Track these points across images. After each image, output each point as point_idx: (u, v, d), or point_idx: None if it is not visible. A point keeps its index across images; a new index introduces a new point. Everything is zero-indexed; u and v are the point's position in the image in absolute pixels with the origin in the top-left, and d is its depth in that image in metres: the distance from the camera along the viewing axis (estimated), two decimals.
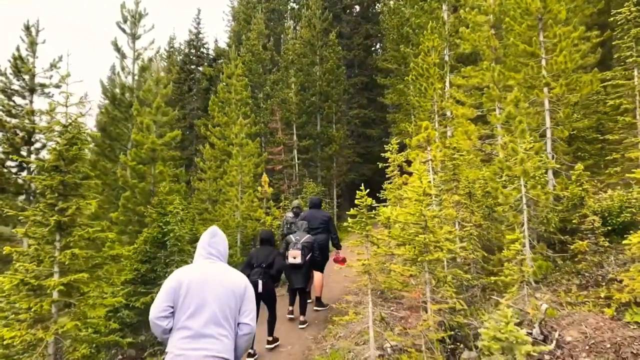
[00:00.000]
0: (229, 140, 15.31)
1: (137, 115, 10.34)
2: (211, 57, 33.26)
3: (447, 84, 12.88)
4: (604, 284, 5.52)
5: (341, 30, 26.76)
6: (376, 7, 31.56)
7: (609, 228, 6.25)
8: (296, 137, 22.03)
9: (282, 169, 20.78)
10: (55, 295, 6.12)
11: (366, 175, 26.17)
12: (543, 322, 4.41)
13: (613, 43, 8.89)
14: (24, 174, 11.23)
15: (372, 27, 30.07)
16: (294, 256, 6.38)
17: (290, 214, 7.92)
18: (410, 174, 9.36)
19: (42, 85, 11.86)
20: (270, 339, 6.06)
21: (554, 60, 7.35)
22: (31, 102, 11.70)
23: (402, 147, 10.50)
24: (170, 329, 2.53)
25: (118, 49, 13.01)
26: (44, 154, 11.48)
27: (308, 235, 6.69)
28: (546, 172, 7.26)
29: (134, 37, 13.38)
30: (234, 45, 22.52)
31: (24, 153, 11.20)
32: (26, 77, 12.03)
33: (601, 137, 8.34)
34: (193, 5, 64.91)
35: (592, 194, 6.22)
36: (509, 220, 5.82)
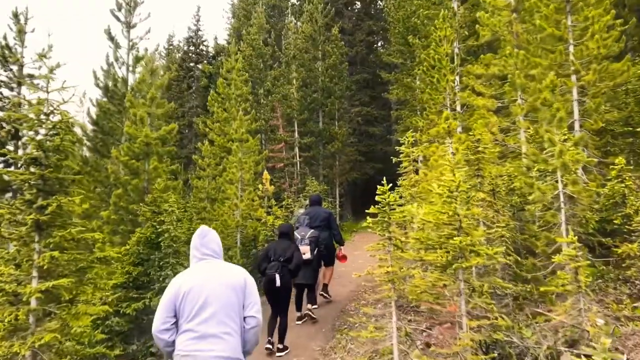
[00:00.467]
0: (228, 137, 14.67)
1: (130, 107, 9.67)
2: (211, 54, 32.66)
3: (458, 79, 12.27)
4: None
5: (343, 26, 26.13)
6: (378, 3, 30.98)
7: None
8: (297, 135, 21.38)
9: (283, 167, 20.10)
10: (33, 303, 5.45)
11: (368, 175, 25.55)
12: None
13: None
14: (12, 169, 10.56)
15: (375, 24, 29.51)
16: (304, 252, 6.29)
17: (302, 211, 8.23)
18: (415, 171, 8.75)
19: (31, 76, 11.18)
20: (281, 346, 5.73)
21: (584, 46, 6.71)
22: (19, 93, 11.03)
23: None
24: (174, 341, 2.50)
25: (112, 38, 12.32)
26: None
27: (312, 230, 6.75)
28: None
29: (129, 25, 12.67)
30: (234, 39, 21.84)
31: (10, 147, 10.53)
32: (14, 67, 11.36)
33: (632, 130, 7.70)
34: (193, 2, 64.29)
35: (634, 191, 5.56)
36: (547, 220, 5.16)
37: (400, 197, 8.56)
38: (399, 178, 8.03)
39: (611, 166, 6.02)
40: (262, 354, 5.75)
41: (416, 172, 7.54)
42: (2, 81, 11.12)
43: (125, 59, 12.52)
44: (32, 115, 5.38)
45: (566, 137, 5.05)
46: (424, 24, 14.18)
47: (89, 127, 12.03)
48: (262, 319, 2.69)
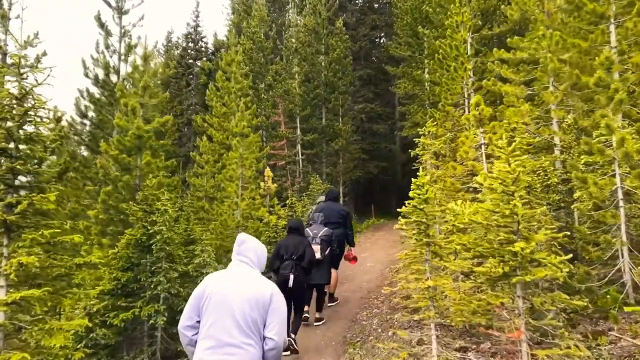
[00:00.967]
0: (228, 133, 13.88)
1: (120, 96, 8.87)
2: (210, 51, 31.86)
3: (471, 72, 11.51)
4: None
5: (346, 20, 25.34)
6: None
7: None
8: (300, 131, 20.58)
9: (285, 164, 19.28)
10: (0, 317, 4.67)
11: (372, 174, 24.77)
12: None
13: None
14: None
15: (379, 18, 28.77)
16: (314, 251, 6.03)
17: (321, 205, 7.67)
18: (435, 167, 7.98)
19: (16, 65, 10.34)
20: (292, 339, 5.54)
21: (632, 22, 5.92)
22: (2, 83, 10.20)
23: (412, 143, 9.07)
24: (196, 341, 2.47)
25: (102, 25, 11.46)
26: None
27: (326, 228, 6.50)
28: None
29: (121, 11, 11.79)
30: (234, 31, 21.01)
31: None
32: None
33: None
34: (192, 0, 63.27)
35: None
36: (599, 221, 4.37)
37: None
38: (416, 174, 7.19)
39: None
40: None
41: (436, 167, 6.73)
42: None
43: (117, 47, 11.68)
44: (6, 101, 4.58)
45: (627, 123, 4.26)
46: (436, 12, 13.40)
47: (77, 119, 11.23)
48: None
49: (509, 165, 3.09)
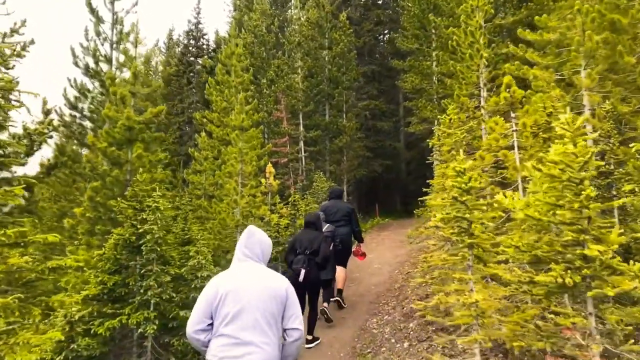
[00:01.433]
0: (228, 128, 13.23)
1: (110, 85, 8.20)
2: (211, 48, 31.28)
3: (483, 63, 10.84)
4: None
5: (350, 15, 24.70)
6: None
7: None
8: (303, 128, 19.91)
9: (287, 162, 18.60)
10: None
11: (376, 172, 24.11)
12: None
13: None
14: None
15: (383, 13, 28.17)
16: None
17: (325, 203, 7.74)
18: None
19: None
20: (310, 337, 5.65)
21: None
22: None
23: (423, 137, 8.41)
24: (209, 340, 2.42)
25: (93, 11, 10.78)
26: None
27: (328, 224, 6.52)
28: None
29: None
30: (235, 25, 20.36)
31: None
32: None
33: None
34: None
35: None
36: None
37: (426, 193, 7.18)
38: (433, 167, 6.55)
39: None
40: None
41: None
42: None
43: (109, 34, 11.02)
44: None
45: None
46: (447, 0, 12.72)
47: (67, 111, 10.59)
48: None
49: (575, 146, 2.41)
